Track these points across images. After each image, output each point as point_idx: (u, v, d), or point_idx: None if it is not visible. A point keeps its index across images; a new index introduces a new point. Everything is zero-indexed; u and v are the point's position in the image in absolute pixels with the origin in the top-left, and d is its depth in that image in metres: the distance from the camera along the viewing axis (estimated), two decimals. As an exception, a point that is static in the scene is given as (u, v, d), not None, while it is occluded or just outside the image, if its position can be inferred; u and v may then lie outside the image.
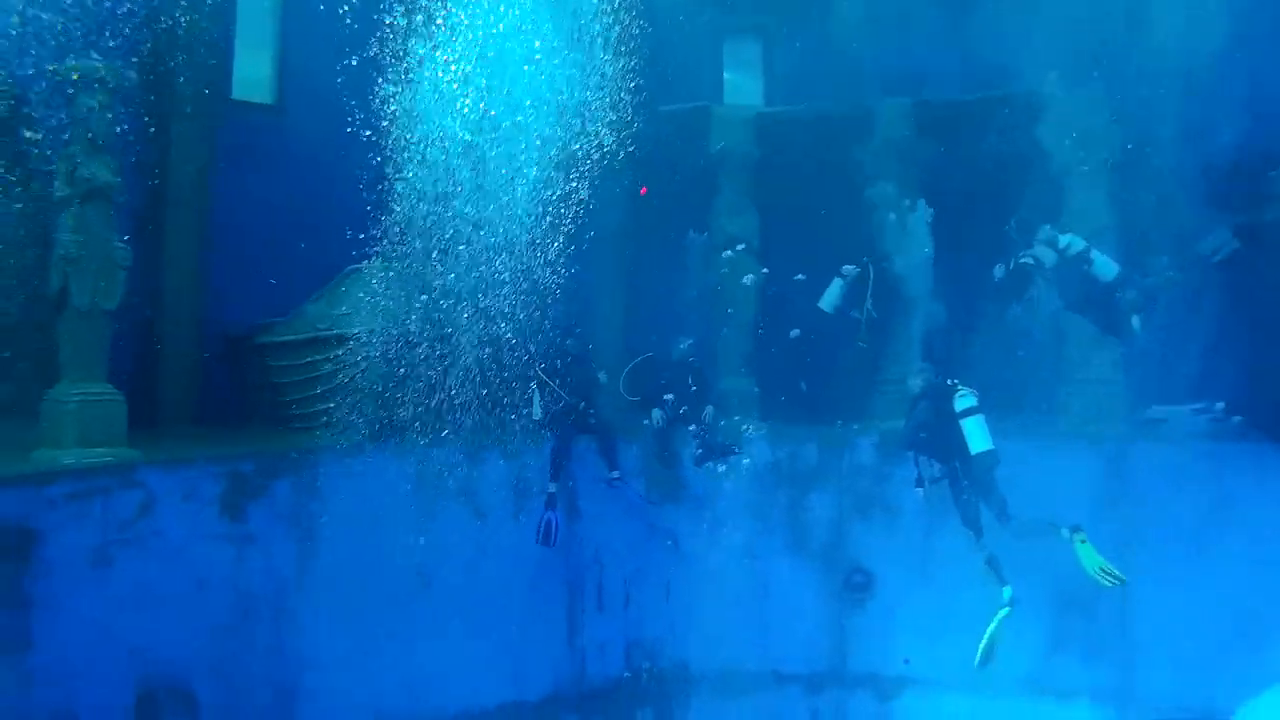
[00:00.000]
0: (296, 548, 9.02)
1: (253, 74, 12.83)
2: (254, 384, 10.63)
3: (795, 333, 11.76)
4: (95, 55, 8.54)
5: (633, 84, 9.92)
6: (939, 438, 9.25)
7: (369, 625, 9.11)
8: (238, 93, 12.61)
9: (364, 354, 9.26)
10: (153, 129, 10.79)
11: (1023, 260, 9.90)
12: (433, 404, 9.15)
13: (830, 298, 11.50)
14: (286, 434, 9.87)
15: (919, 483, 9.56)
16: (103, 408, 8.27)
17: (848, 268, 11.37)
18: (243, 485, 8.60)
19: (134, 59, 9.53)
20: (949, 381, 9.39)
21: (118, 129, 8.55)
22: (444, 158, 9.34)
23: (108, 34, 9.20)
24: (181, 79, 11.25)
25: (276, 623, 8.84)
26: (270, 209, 11.59)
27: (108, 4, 9.36)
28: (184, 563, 8.35)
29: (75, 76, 8.30)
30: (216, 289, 11.31)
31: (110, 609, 7.92)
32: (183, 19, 10.88)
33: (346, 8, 10.20)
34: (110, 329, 8.45)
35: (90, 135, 8.21)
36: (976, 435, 8.96)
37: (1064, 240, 9.79)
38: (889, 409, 11.01)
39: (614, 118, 9.81)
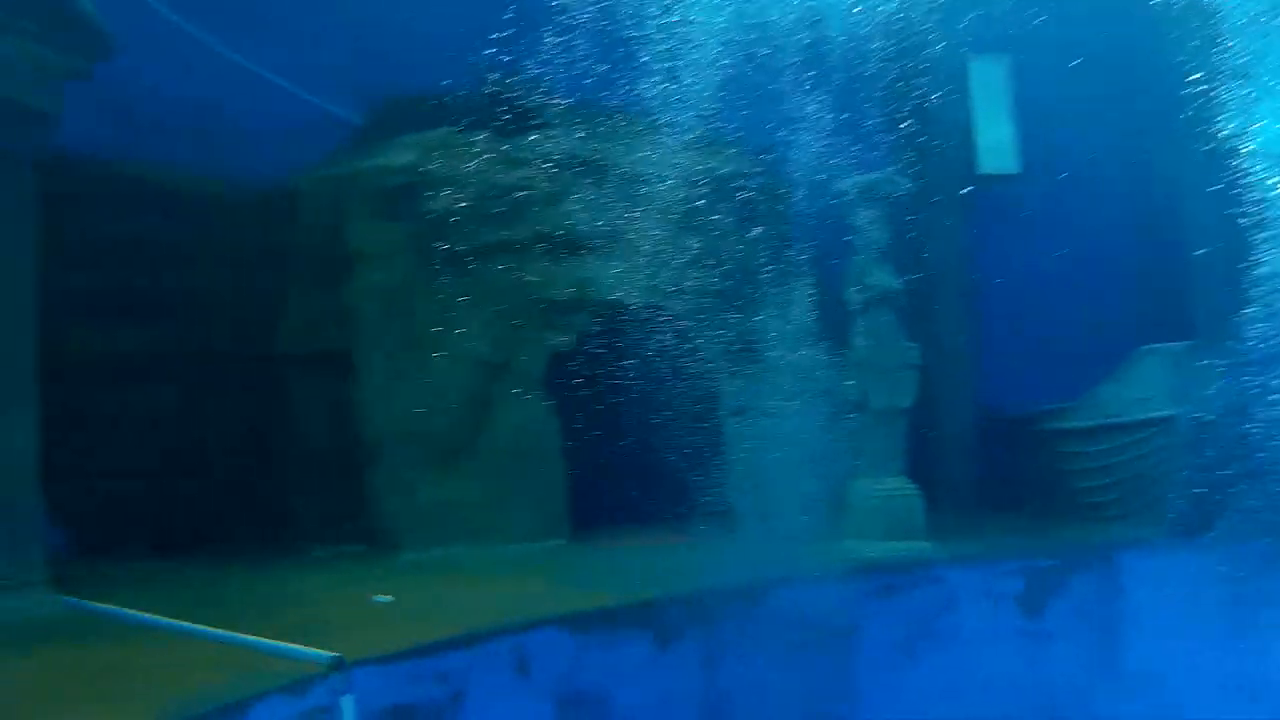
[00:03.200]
0: (1096, 648, 8.92)
1: (993, 145, 13.22)
2: (1036, 470, 10.81)
3: None
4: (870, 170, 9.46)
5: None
6: None
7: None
8: (983, 167, 13.06)
9: (1164, 440, 8.92)
10: (912, 219, 11.59)
11: None
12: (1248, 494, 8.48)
13: None
14: (1076, 525, 9.84)
15: None
16: (903, 502, 9.05)
17: None
18: (1041, 581, 8.75)
19: (896, 156, 10.36)
20: None
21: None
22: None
23: (873, 144, 10.13)
24: (933, 165, 12.00)
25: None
26: (1031, 284, 11.79)
27: (870, 117, 10.34)
28: (982, 658, 8.70)
29: (855, 192, 9.32)
30: (986, 371, 11.75)
31: (914, 703, 8.53)
32: (929, 107, 11.61)
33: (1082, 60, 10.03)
34: (905, 426, 9.25)
35: (873, 245, 9.14)
36: None
37: None
38: None
39: None
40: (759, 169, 11.32)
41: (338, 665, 5.57)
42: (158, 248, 10.35)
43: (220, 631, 6.27)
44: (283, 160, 11.10)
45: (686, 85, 11.07)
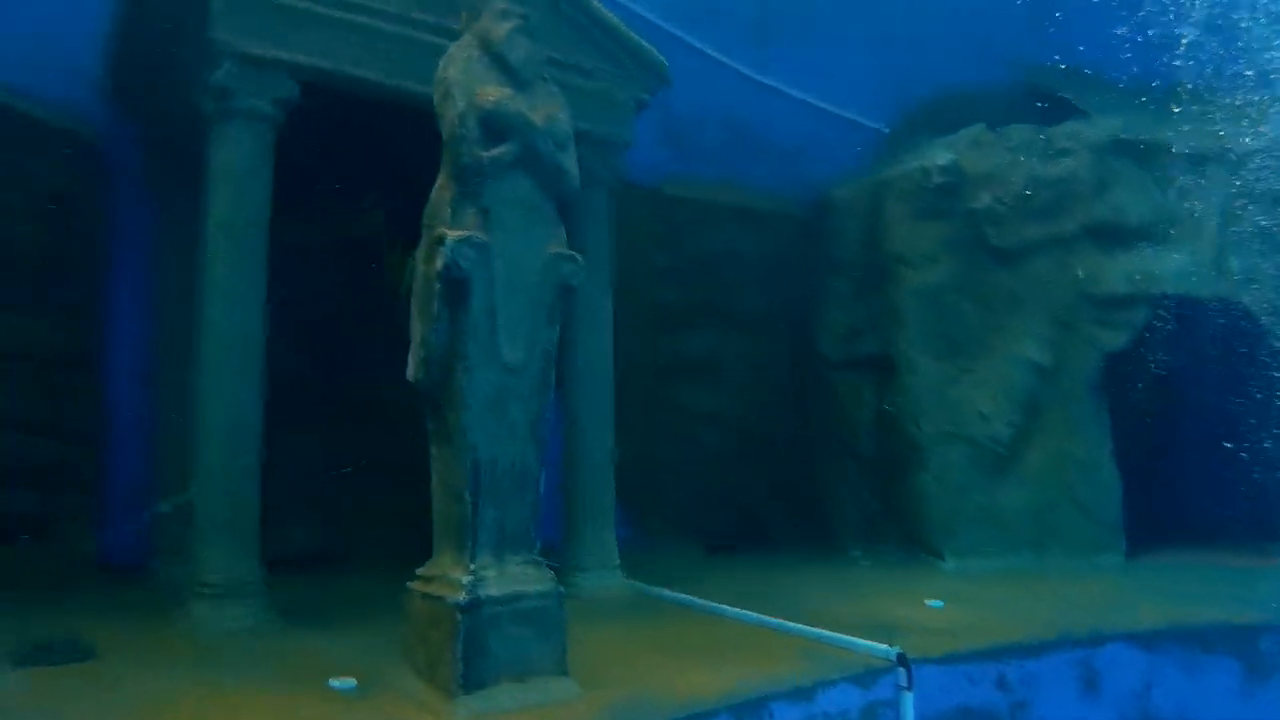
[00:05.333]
0: None
1: None
2: None
3: None
4: None
5: None
6: None
7: None
8: None
9: None
10: None
11: None
12: None
13: None
14: None
15: None
16: None
17: None
18: None
19: None
20: None
21: None
22: None
23: None
24: None
25: None
26: None
27: None
28: None
29: None
30: None
31: None
32: None
33: None
34: None
35: None
36: None
37: None
38: None
39: None
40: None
41: (900, 661, 5.63)
42: (711, 261, 11.11)
43: (779, 620, 6.61)
44: (819, 172, 11.50)
45: (1246, 49, 10.02)
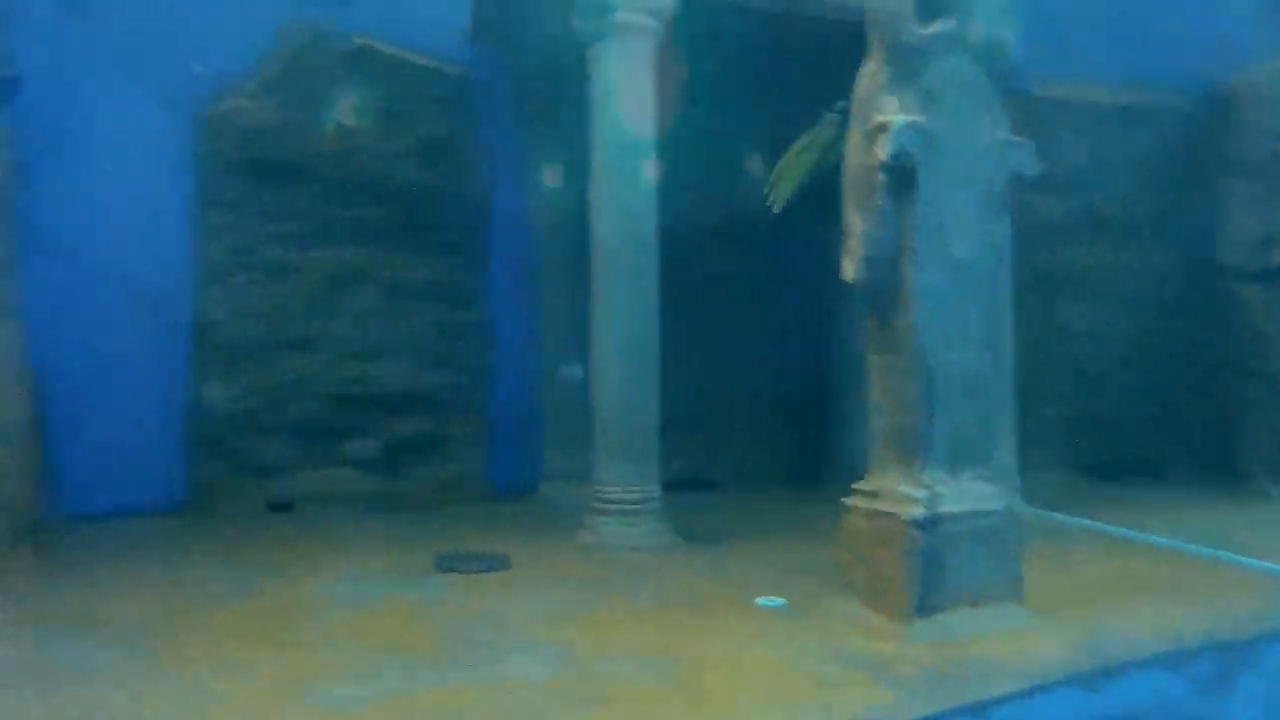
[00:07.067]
0: None
1: None
2: None
3: None
4: None
5: None
6: None
7: None
8: None
9: None
10: None
11: None
12: None
13: None
14: None
15: None
16: None
17: None
18: None
19: None
20: None
21: None
22: None
23: None
24: None
25: None
26: None
27: None
28: None
29: None
30: None
31: None
32: None
33: None
34: None
35: None
36: None
37: None
38: None
39: None
40: None
41: None
42: (1089, 166, 10.10)
43: (1221, 551, 5.87)
44: (1207, 63, 10.20)
45: None
